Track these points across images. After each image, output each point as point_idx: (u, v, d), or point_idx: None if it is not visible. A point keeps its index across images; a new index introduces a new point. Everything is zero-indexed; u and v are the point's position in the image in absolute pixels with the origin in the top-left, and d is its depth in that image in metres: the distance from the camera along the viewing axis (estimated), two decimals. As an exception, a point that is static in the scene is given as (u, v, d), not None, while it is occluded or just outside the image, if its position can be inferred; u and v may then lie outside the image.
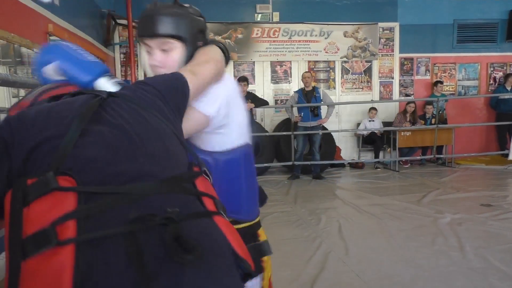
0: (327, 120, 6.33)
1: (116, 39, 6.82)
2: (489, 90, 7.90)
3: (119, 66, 6.91)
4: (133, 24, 6.31)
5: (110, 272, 0.58)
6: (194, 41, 1.17)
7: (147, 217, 0.63)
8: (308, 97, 6.07)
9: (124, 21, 6.40)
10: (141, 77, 6.84)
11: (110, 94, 0.86)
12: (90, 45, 5.31)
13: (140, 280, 0.57)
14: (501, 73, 7.91)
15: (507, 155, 5.91)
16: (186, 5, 1.20)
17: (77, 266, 0.56)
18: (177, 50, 1.15)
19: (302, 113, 6.25)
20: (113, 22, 6.53)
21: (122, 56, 6.92)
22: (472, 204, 4.42)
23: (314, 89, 6.26)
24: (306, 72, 6.60)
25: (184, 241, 0.61)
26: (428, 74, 7.83)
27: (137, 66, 6.79)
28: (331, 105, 6.30)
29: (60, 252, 0.57)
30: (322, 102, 6.22)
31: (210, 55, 1.15)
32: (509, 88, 7.34)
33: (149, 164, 0.74)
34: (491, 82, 7.97)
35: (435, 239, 3.32)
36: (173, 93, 0.94)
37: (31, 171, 0.69)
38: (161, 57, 1.15)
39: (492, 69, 7.94)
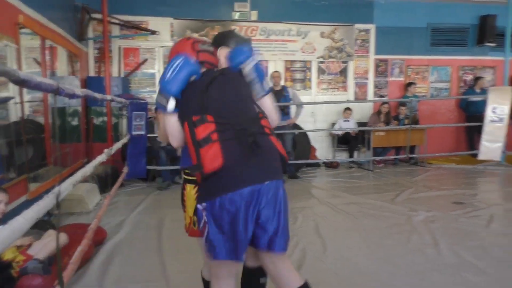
0: (296, 120, 6.35)
1: (90, 34, 6.62)
2: (460, 92, 8.11)
3: (93, 62, 6.71)
4: (108, 19, 6.18)
5: (231, 152, 1.44)
6: None
7: (243, 132, 1.48)
8: (277, 96, 6.01)
9: (98, 16, 6.25)
10: (115, 74, 6.67)
11: (221, 72, 1.65)
12: (63, 39, 5.14)
13: (242, 154, 1.46)
14: (471, 76, 8.14)
15: (476, 155, 6.08)
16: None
17: (221, 149, 1.43)
18: None
19: None
20: (88, 16, 6.36)
21: (96, 51, 6.72)
22: (445, 202, 4.53)
23: (283, 88, 6.27)
24: (275, 71, 6.66)
25: (257, 143, 1.47)
26: (402, 76, 7.97)
27: (111, 62, 6.62)
28: (299, 105, 6.31)
29: (214, 145, 1.43)
30: (291, 102, 6.23)
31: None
32: (478, 91, 7.56)
33: (241, 108, 1.58)
34: (462, 84, 8.19)
35: (410, 236, 3.37)
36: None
37: (193, 112, 1.50)
38: None
39: (463, 72, 8.17)
